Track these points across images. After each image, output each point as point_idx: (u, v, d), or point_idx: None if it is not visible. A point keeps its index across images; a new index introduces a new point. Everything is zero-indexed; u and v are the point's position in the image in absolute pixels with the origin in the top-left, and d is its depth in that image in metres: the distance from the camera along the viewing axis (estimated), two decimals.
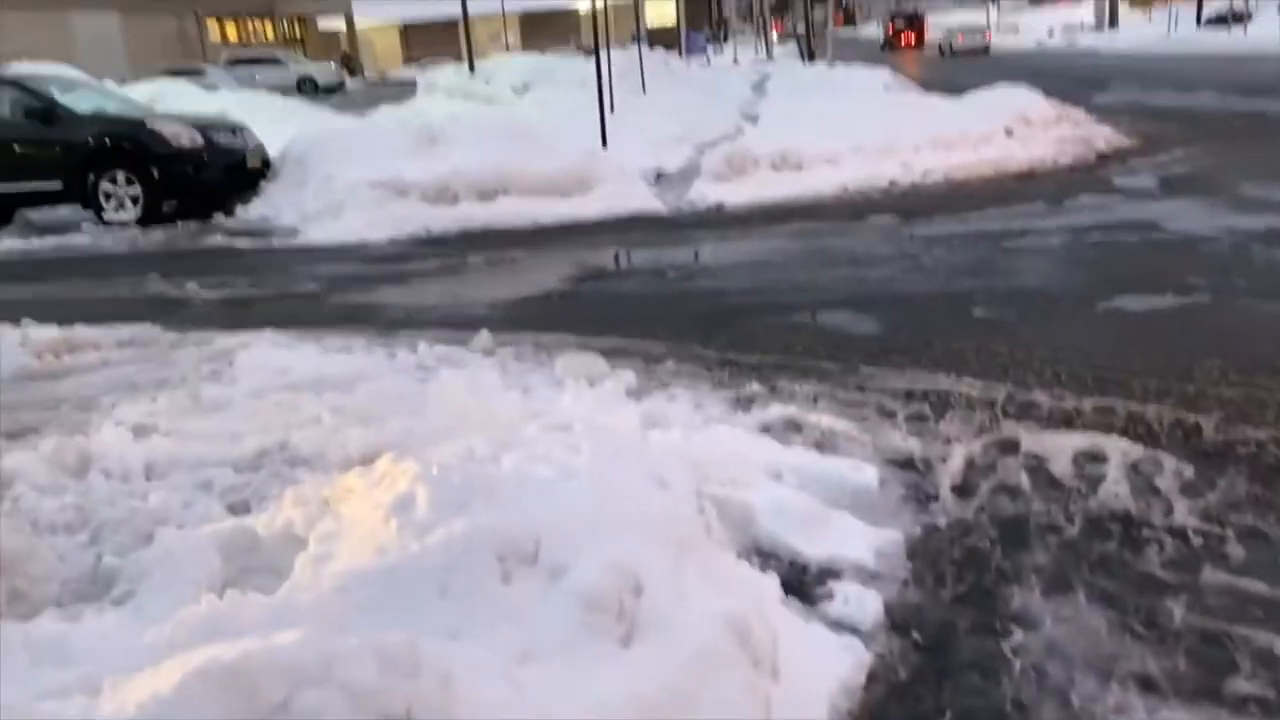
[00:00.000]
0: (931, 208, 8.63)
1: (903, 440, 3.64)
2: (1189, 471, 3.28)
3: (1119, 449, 3.45)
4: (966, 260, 6.69)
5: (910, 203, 8.92)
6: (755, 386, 4.24)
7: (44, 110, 10.78)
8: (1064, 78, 21.43)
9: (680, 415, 3.82)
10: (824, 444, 3.62)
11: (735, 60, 44.82)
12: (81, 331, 5.43)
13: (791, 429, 3.76)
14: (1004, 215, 8.17)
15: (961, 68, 31.71)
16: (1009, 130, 11.29)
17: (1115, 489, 3.20)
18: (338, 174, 10.06)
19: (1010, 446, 3.55)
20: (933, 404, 3.97)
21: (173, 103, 16.02)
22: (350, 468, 3.29)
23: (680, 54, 36.52)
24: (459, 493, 2.54)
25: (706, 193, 9.90)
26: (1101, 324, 5.04)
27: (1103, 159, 10.77)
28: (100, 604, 2.43)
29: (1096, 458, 3.42)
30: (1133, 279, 5.82)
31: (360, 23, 60.46)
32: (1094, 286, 5.70)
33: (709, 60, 43.00)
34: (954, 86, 15.63)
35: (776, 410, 3.90)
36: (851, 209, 8.88)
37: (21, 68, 17.60)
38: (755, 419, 3.83)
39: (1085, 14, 54.34)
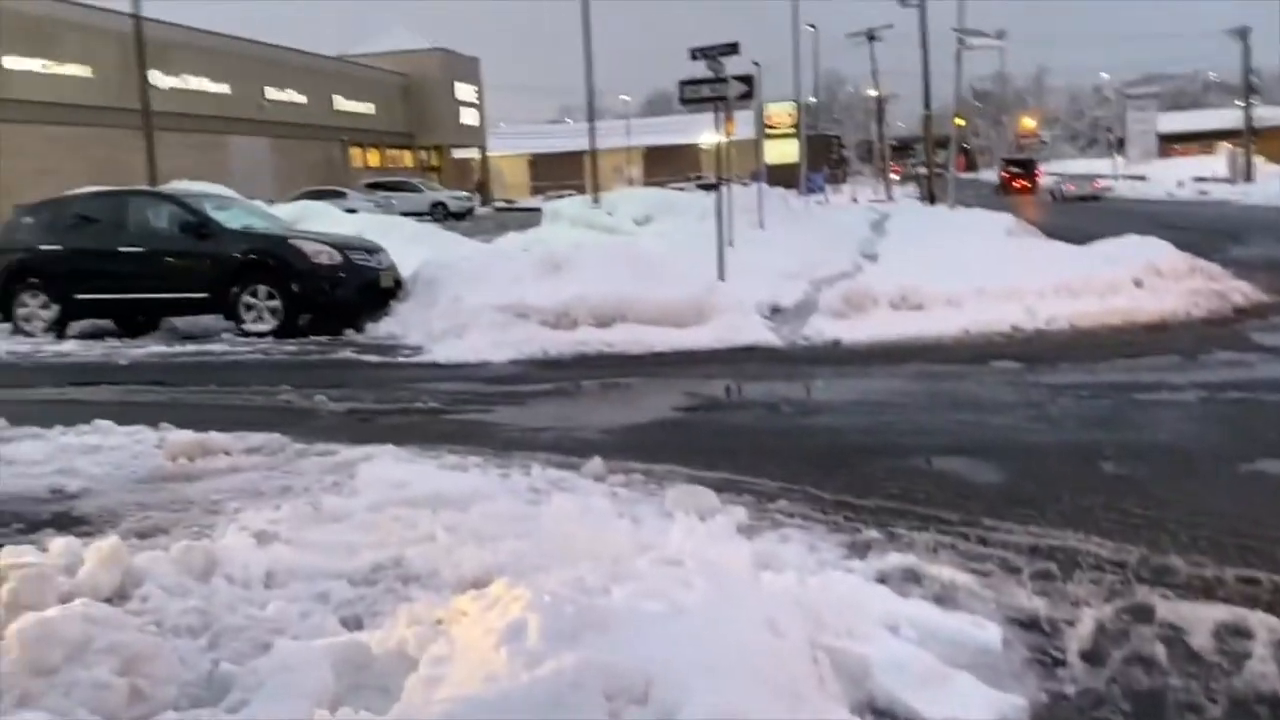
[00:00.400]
0: (1057, 355, 8.43)
1: (1028, 599, 3.48)
2: None
3: (1266, 625, 3.22)
4: (1095, 412, 6.47)
5: (1034, 349, 8.73)
6: (872, 532, 4.13)
7: (198, 225, 11.54)
8: (1196, 230, 20.93)
9: (793, 557, 3.74)
10: (944, 598, 3.48)
11: (854, 199, 45.41)
12: (214, 437, 5.66)
13: (910, 579, 3.63)
14: (1134, 367, 7.92)
15: (1083, 214, 31.41)
16: (1138, 281, 11.02)
17: (1262, 669, 2.98)
18: (465, 296, 10.43)
19: (1144, 613, 3.35)
20: (1060, 562, 3.80)
21: (315, 223, 16.98)
22: (462, 588, 3.31)
23: (799, 192, 37.18)
24: (570, 624, 2.52)
25: (823, 329, 9.90)
26: (1243, 487, 4.79)
27: (1240, 314, 10.39)
28: (215, 711, 2.47)
29: (1240, 633, 3.19)
30: (1277, 441, 5.54)
31: (492, 152, 63.58)
32: (1234, 447, 5.43)
33: (827, 198, 43.65)
34: (1080, 234, 15.42)
35: (894, 559, 3.78)
36: (973, 352, 8.73)
37: (181, 185, 19.00)
38: (872, 566, 3.72)
39: (1218, 166, 53.37)
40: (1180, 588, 3.55)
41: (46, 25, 31.61)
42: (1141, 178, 56.94)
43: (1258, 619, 3.26)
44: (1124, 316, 9.98)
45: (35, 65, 31.33)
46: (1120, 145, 69.17)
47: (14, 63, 30.63)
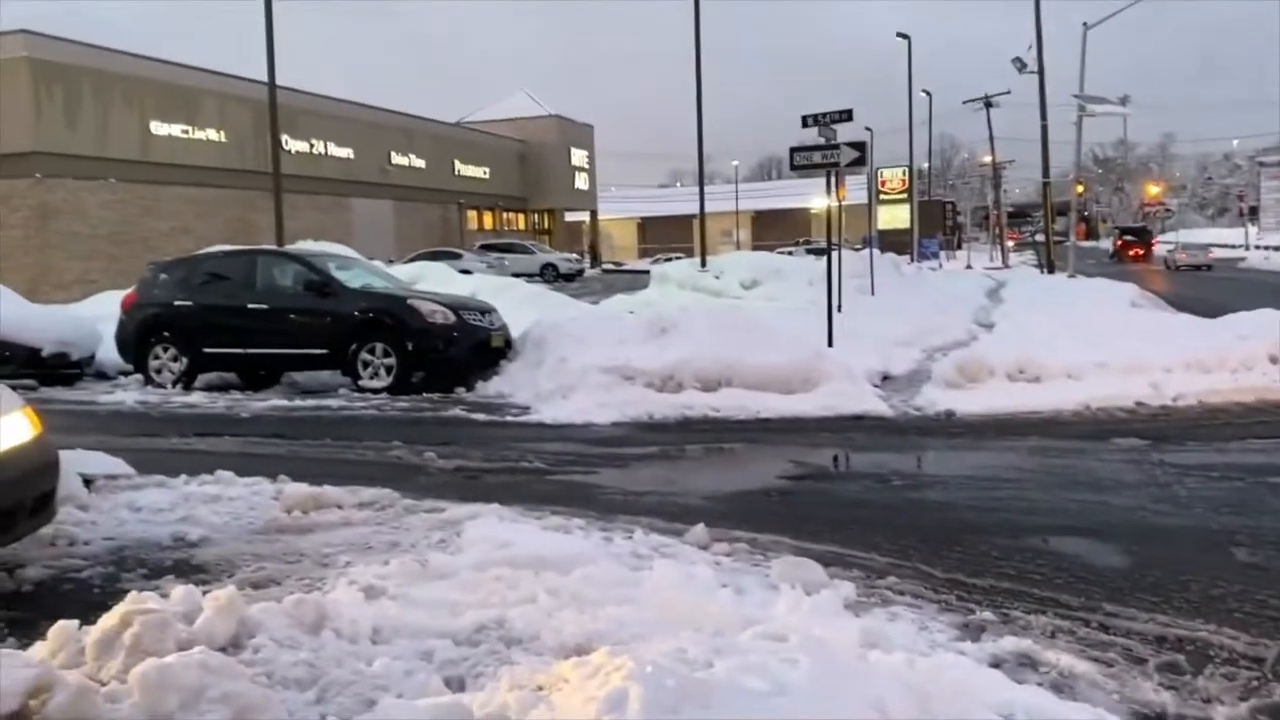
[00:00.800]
0: (1184, 434, 8.05)
1: (1154, 693, 3.29)
2: None
3: None
4: (1226, 495, 6.13)
5: (1160, 426, 8.36)
6: (985, 614, 3.97)
7: (322, 284, 11.95)
8: None
9: (902, 637, 3.62)
10: (1062, 686, 3.32)
11: (969, 266, 44.69)
12: (328, 491, 5.80)
13: (1025, 665, 3.47)
14: (1270, 448, 7.51)
15: (1205, 285, 30.24)
16: (1275, 357, 10.48)
17: None
18: (572, 357, 10.55)
19: None
20: (1189, 654, 3.59)
21: (432, 283, 17.44)
22: (563, 653, 3.30)
23: (912, 258, 36.75)
24: (672, 697, 2.48)
25: (936, 399, 9.68)
26: None
27: None
28: None
29: None
30: None
31: (602, 215, 64.77)
32: None
33: (940, 265, 43.05)
34: (1207, 307, 14.83)
35: (1009, 642, 3.62)
36: (1094, 428, 8.41)
37: (306, 245, 19.80)
38: (985, 649, 3.57)
39: None
40: None
41: (189, 94, 33.62)
42: (1278, 248, 54.67)
43: None
44: (1259, 394, 9.49)
45: (176, 130, 33.28)
46: (1254, 214, 66.59)
47: (159, 128, 32.60)
